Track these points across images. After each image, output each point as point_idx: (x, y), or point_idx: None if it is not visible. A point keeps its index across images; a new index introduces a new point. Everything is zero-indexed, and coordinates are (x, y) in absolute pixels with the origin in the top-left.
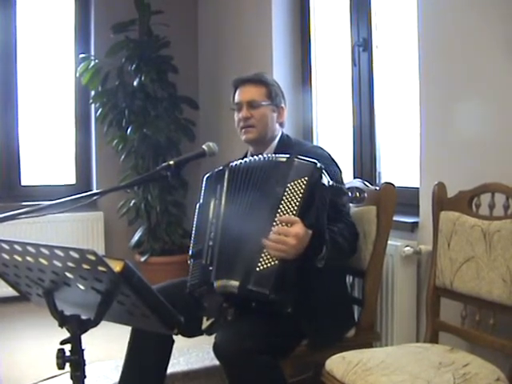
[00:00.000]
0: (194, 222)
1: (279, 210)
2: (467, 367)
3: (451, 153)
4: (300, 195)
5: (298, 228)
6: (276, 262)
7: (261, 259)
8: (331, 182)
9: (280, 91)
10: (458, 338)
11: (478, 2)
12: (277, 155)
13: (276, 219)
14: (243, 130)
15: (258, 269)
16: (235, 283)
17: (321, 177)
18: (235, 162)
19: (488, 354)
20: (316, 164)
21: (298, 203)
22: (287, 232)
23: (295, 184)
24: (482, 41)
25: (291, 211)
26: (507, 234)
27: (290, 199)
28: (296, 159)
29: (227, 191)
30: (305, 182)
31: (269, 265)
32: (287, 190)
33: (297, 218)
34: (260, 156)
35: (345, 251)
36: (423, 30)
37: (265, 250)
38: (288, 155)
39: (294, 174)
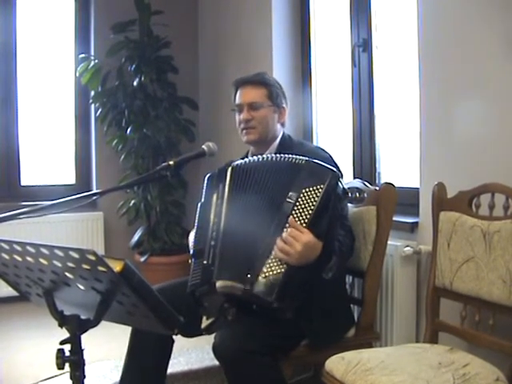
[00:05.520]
0: (196, 221)
1: (292, 216)
2: (467, 367)
3: (451, 153)
4: (314, 203)
5: (310, 237)
6: (282, 270)
7: (267, 265)
8: (347, 191)
9: (281, 91)
10: (457, 339)
11: (478, 2)
12: (296, 157)
13: (287, 224)
14: (244, 132)
15: (263, 275)
16: (239, 286)
17: (337, 185)
18: (238, 162)
19: (487, 354)
20: (334, 171)
21: (311, 211)
22: (298, 237)
23: (310, 191)
24: (482, 41)
25: (303, 219)
26: (507, 234)
27: (303, 206)
28: (313, 163)
29: (230, 190)
30: (320, 191)
31: (275, 272)
32: (301, 196)
33: (307, 230)
34: (271, 155)
35: (346, 258)
36: (423, 30)
37: (272, 256)
38: (307, 158)
39: (310, 180)
